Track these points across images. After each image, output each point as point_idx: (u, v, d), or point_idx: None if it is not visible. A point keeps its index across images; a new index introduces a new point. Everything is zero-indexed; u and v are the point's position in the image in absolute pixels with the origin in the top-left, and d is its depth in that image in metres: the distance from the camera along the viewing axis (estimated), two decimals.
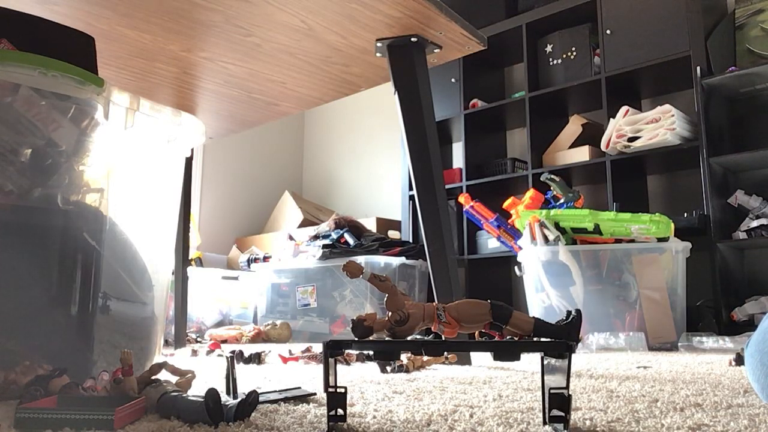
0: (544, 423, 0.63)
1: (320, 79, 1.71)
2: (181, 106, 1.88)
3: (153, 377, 0.77)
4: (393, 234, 3.36)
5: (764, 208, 2.37)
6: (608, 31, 2.74)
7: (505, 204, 2.48)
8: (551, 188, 2.45)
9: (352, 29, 1.42)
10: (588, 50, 2.92)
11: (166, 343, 2.21)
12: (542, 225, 2.18)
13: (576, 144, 2.94)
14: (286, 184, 4.38)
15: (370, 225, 3.34)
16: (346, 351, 0.63)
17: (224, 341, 2.48)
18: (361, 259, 2.75)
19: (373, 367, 1.32)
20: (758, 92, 2.50)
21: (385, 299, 0.64)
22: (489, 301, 0.64)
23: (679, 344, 1.94)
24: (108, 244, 1.00)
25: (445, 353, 1.38)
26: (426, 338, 0.72)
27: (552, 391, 0.60)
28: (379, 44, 1.48)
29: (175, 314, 2.06)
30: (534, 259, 2.20)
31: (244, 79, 1.71)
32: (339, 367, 1.32)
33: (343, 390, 0.61)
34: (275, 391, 0.86)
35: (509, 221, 2.47)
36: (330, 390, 0.60)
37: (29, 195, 0.93)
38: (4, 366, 0.82)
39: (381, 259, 2.82)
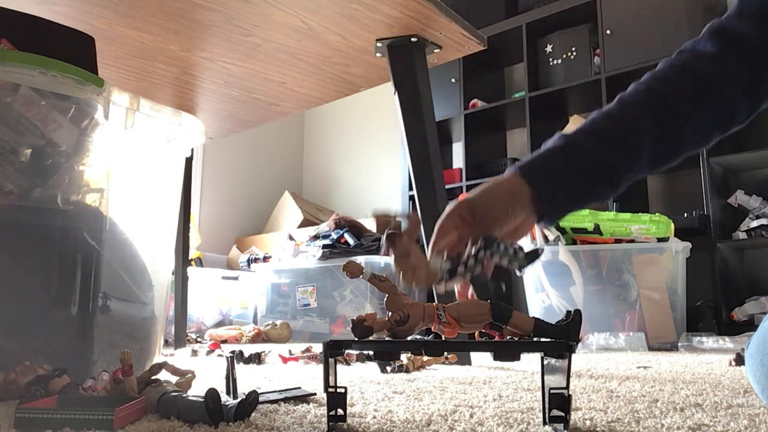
0: (544, 423, 0.63)
1: (320, 79, 1.71)
2: (181, 106, 1.88)
3: (153, 377, 0.77)
4: None
5: (764, 208, 2.37)
6: (608, 31, 2.74)
7: None
8: None
9: (352, 29, 1.42)
10: (588, 50, 2.92)
11: (166, 343, 2.21)
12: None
13: None
14: (286, 184, 4.38)
15: (370, 225, 3.34)
16: (346, 351, 0.62)
17: (224, 341, 2.48)
18: (361, 259, 2.74)
19: (373, 367, 1.32)
20: None
21: (385, 299, 0.64)
22: (489, 301, 0.64)
23: (679, 344, 1.94)
24: (108, 244, 1.00)
25: (445, 353, 1.37)
26: (426, 338, 0.72)
27: (552, 391, 0.60)
28: (379, 44, 1.48)
29: (175, 314, 2.06)
30: None
31: (244, 79, 1.70)
32: (339, 367, 1.32)
33: (343, 390, 0.61)
34: (275, 391, 0.86)
35: None
36: (330, 390, 0.60)
37: (29, 195, 0.93)
38: (4, 366, 0.82)
39: (381, 259, 2.82)
